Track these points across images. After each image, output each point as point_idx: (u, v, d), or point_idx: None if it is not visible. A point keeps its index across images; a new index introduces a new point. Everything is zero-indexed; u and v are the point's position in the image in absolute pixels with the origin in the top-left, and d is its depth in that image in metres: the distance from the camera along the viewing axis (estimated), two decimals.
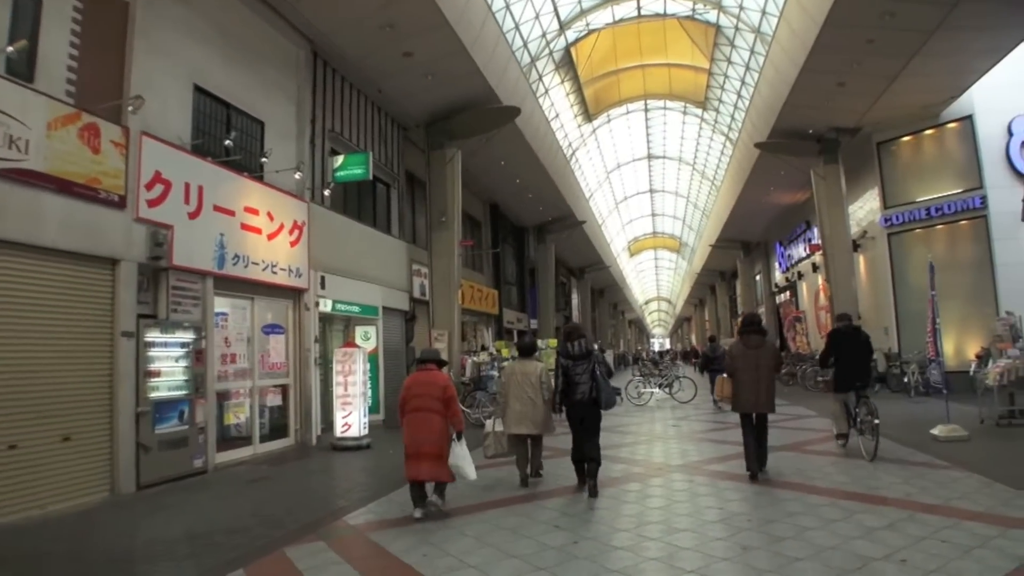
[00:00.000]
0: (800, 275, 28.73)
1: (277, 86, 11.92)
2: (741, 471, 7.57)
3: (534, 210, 27.70)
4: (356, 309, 13.93)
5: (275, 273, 11.10)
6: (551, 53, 23.62)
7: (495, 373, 15.21)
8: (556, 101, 26.84)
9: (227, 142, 10.47)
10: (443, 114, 16.40)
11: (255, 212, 10.69)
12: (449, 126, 16.55)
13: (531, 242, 30.74)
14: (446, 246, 16.28)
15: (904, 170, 19.11)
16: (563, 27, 22.88)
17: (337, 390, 11.25)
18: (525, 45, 21.31)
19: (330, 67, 13.78)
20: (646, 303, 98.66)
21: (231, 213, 10.14)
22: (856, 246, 20.07)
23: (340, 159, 13.41)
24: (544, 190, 24.96)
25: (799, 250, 28.46)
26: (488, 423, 8.48)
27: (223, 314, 10.35)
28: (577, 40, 24.78)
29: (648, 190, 47.72)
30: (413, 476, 6.31)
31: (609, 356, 26.40)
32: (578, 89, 28.31)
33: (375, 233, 15.35)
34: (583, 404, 7.23)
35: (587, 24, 23.92)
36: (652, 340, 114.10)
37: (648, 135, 37.22)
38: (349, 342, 12.36)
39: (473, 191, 23.63)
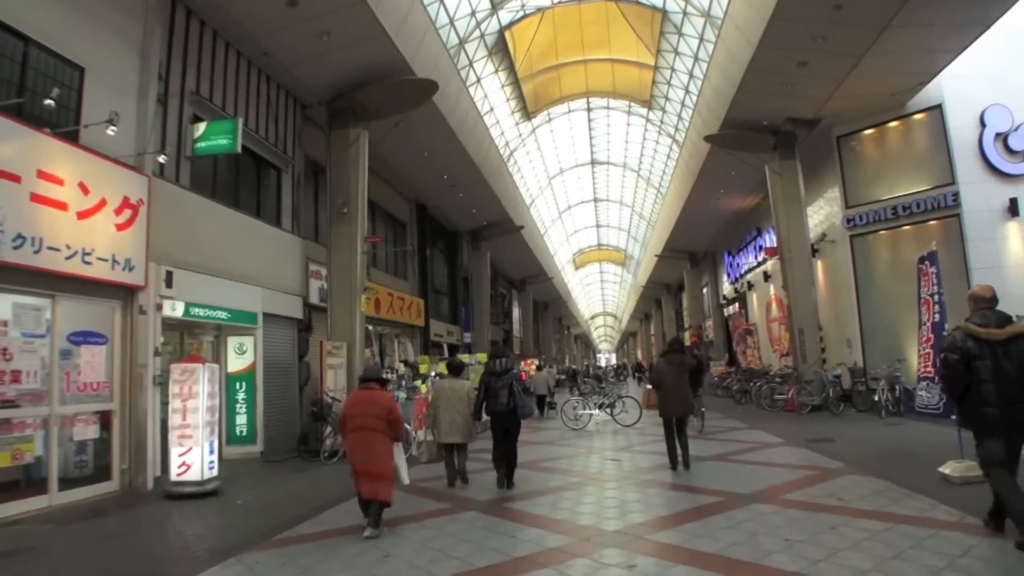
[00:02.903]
0: (750, 285, 27.01)
1: (110, 26, 9.21)
2: (710, 547, 5.23)
3: (467, 213, 25.30)
4: (223, 315, 11.22)
5: (88, 263, 8.36)
6: (483, 36, 21.37)
7: (401, 395, 12.68)
8: (490, 93, 24.57)
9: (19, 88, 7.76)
10: (347, 87, 13.85)
11: (57, 181, 7.95)
12: (354, 102, 14.01)
13: (465, 248, 28.30)
14: (347, 241, 13.65)
15: (867, 166, 17.42)
16: (495, 5, 20.61)
17: (173, 419, 8.52)
18: (452, 23, 18.96)
19: (195, 15, 11.15)
20: (592, 318, 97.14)
21: (14, 179, 7.40)
22: (815, 251, 18.23)
23: (202, 127, 10.75)
24: (477, 190, 22.61)
25: (749, 259, 26.75)
26: (420, 433, 10.35)
27: None
28: (512, 23, 22.60)
29: (592, 199, 45.95)
30: (368, 496, 6.17)
31: (548, 374, 24.01)
32: (515, 82, 26.13)
33: (257, 224, 12.68)
34: (504, 414, 8.38)
35: (522, 5, 21.71)
36: (599, 355, 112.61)
37: (591, 137, 35.32)
38: (193, 355, 9.63)
39: (397, 189, 21.16)
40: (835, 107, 16.36)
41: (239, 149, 10.61)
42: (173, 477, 8.46)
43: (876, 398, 14.33)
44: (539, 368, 25.57)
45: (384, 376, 7.59)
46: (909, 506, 6.13)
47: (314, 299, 14.32)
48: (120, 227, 8.93)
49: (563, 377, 33.21)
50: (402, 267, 22.02)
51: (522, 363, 33.83)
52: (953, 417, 5.75)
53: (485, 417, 8.63)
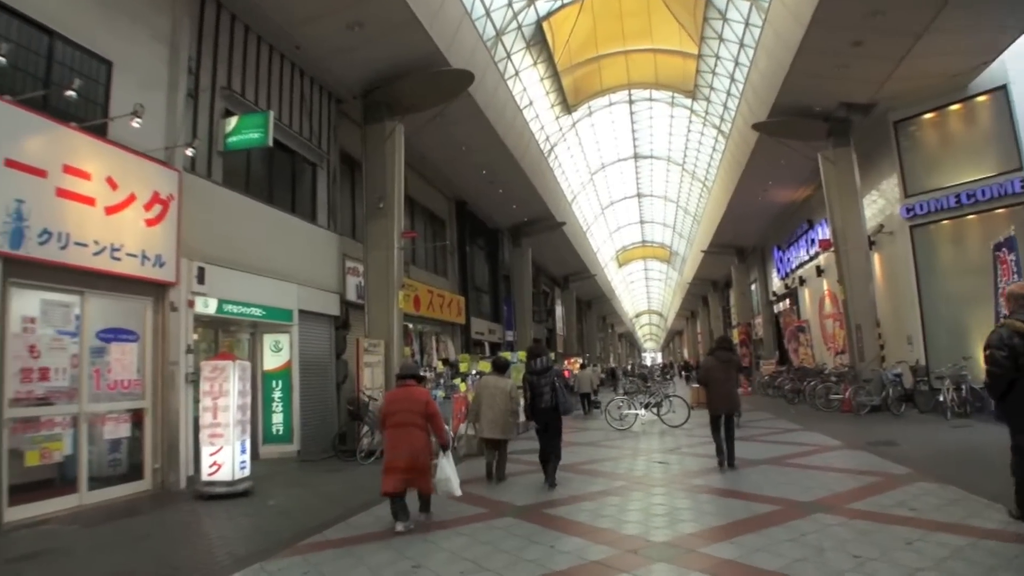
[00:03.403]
0: (802, 281, 25.96)
1: (137, 19, 9.06)
2: (771, 563, 4.72)
3: (507, 209, 24.88)
4: (258, 312, 11.02)
5: (117, 259, 8.20)
6: (520, 27, 20.91)
7: (440, 393, 12.33)
8: (529, 86, 24.10)
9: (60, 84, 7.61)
10: (381, 80, 13.56)
11: (84, 175, 7.79)
12: (389, 95, 13.71)
13: (506, 246, 27.91)
14: (384, 237, 13.36)
15: (927, 152, 16.43)
16: None
17: (203, 417, 8.31)
18: (488, 13, 18.57)
19: (225, 8, 10.99)
20: (636, 316, 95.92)
21: (39, 173, 7.24)
22: (871, 243, 17.30)
23: (233, 121, 10.56)
24: (517, 186, 22.17)
25: (800, 253, 25.72)
26: (461, 427, 10.64)
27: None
28: (550, 14, 22.08)
29: (636, 194, 45.06)
30: (391, 489, 6.22)
31: (592, 372, 23.62)
32: (554, 75, 25.60)
33: (292, 220, 12.48)
34: (546, 411, 8.40)
35: None
36: (644, 354, 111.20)
37: (634, 131, 34.55)
38: (223, 352, 9.42)
39: (436, 186, 20.90)
40: (892, 90, 15.43)
41: (271, 143, 10.40)
42: (204, 477, 8.25)
43: (940, 398, 13.43)
44: (583, 367, 25.30)
45: (421, 374, 7.76)
46: (991, 518, 5.48)
47: (351, 296, 14.09)
48: (150, 222, 8.76)
49: (604, 376, 32.45)
50: (442, 264, 21.75)
51: (565, 362, 33.42)
52: None
53: (522, 419, 9.00)
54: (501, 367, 9.32)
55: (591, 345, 52.47)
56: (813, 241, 23.45)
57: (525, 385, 8.68)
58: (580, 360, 30.48)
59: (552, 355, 16.00)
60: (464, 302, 22.06)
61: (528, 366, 8.72)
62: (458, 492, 6.60)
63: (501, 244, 27.62)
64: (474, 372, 14.77)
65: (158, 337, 8.98)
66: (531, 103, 24.63)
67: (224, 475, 8.19)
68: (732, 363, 9.42)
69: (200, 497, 8.17)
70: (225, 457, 8.21)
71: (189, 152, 9.10)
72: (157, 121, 9.19)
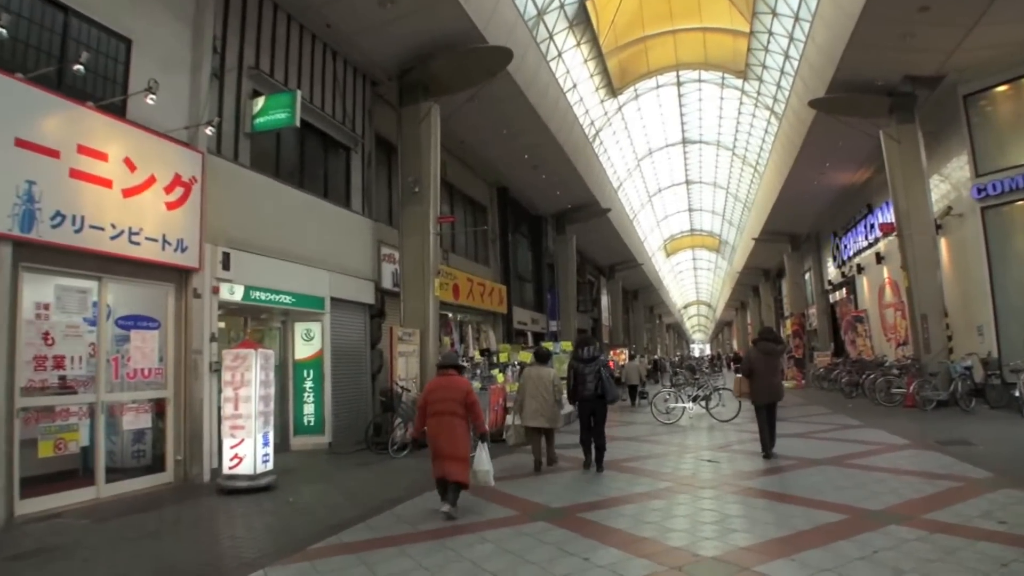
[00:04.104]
0: (860, 268, 24.65)
1: None
2: None
3: (550, 196, 24.21)
4: (288, 300, 10.67)
5: (136, 244, 7.88)
6: (562, 6, 20.16)
7: (476, 384, 11.82)
8: (572, 68, 23.32)
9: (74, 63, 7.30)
10: (415, 60, 13.07)
11: (100, 156, 7.48)
12: (424, 75, 13.22)
13: (549, 233, 27.24)
14: (419, 222, 12.89)
15: (1001, 128, 15.20)
16: None
17: (225, 408, 7.97)
18: None
19: None
20: (685, 307, 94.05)
21: (52, 154, 6.94)
22: (937, 227, 16.15)
23: (260, 102, 10.19)
24: (560, 171, 21.48)
25: (858, 240, 24.42)
26: (508, 418, 10.46)
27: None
28: None
29: (684, 181, 43.79)
30: (440, 475, 6.38)
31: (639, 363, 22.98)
32: (599, 56, 24.75)
33: (324, 205, 12.10)
34: (591, 399, 8.69)
35: None
36: (692, 345, 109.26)
37: (682, 114, 33.40)
38: (246, 341, 9.04)
39: (476, 171, 20.40)
40: (961, 61, 14.27)
41: (298, 123, 10.01)
42: (225, 470, 7.92)
43: (1017, 393, 12.36)
44: (631, 358, 25.01)
45: (461, 364, 8.17)
46: None
47: (387, 284, 13.69)
48: (171, 206, 8.43)
49: (650, 367, 31.60)
50: (483, 252, 21.25)
51: (611, 352, 32.73)
52: None
53: (568, 408, 9.30)
54: (543, 357, 9.45)
55: (638, 336, 51.45)
56: (873, 226, 22.21)
57: (569, 372, 8.99)
58: (625, 351, 29.97)
59: (598, 345, 15.53)
60: (506, 291, 21.54)
61: (575, 354, 9.21)
62: (492, 482, 6.68)
63: (544, 232, 26.98)
64: (515, 363, 14.28)
65: (181, 324, 8.67)
66: (574, 86, 23.86)
67: (245, 468, 7.83)
68: (775, 353, 9.60)
69: (221, 491, 7.84)
70: (247, 450, 7.85)
71: (209, 131, 8.73)
72: (180, 102, 8.88)
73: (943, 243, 16.52)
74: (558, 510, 6.42)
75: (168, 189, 8.41)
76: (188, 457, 8.53)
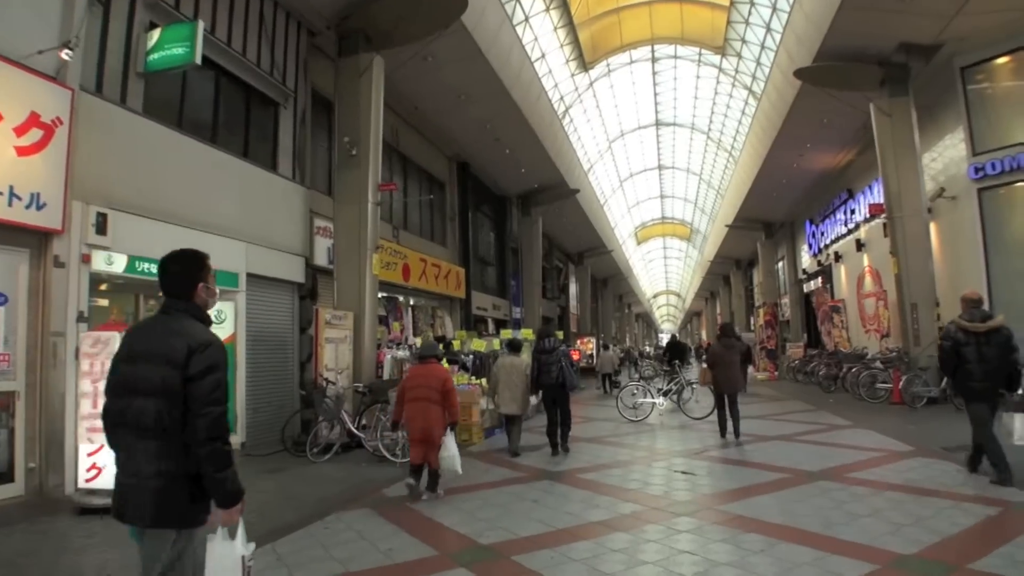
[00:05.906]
0: (837, 257, 23.54)
1: None
2: None
3: (515, 174, 22.63)
4: None
5: None
6: None
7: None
8: (541, 36, 21.71)
9: None
10: (354, 6, 11.42)
11: None
12: (365, 22, 11.56)
13: (514, 215, 25.68)
14: (356, 189, 11.25)
15: (1000, 103, 14.03)
16: None
17: (81, 406, 6.34)
18: None
19: None
20: (654, 296, 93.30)
21: None
22: (928, 210, 14.96)
23: (155, 35, 8.45)
24: (526, 146, 19.91)
25: (837, 227, 23.29)
26: (483, 402, 10.81)
27: None
28: None
29: (656, 166, 42.47)
30: (420, 461, 6.70)
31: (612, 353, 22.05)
32: (569, 24, 23.17)
33: (242, 165, 10.39)
34: (553, 387, 9.31)
35: None
36: (660, 335, 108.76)
37: (656, 93, 31.96)
38: (111, 322, 7.38)
39: (434, 143, 18.74)
40: (960, 28, 13.03)
41: (198, 60, 8.26)
42: (80, 484, 6.29)
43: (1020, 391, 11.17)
44: (605, 348, 25.15)
45: (440, 353, 8.99)
46: None
47: (321, 261, 12.05)
48: (23, 151, 6.71)
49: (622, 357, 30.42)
50: (440, 231, 19.63)
51: (578, 341, 31.43)
52: None
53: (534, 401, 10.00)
54: (515, 347, 9.91)
55: (606, 325, 50.27)
56: (853, 212, 21.08)
57: (533, 361, 9.59)
58: (596, 340, 29.18)
59: (560, 335, 14.43)
60: (465, 274, 19.98)
61: (537, 345, 9.73)
62: (459, 469, 6.83)
63: (509, 213, 25.40)
64: (468, 352, 12.92)
65: (37, 300, 6.96)
66: (543, 56, 22.25)
67: (105, 482, 6.19)
68: (735, 348, 10.55)
69: (76, 510, 6.21)
70: (108, 459, 6.21)
71: (65, 55, 6.96)
72: (46, 27, 7.12)
73: (933, 228, 15.31)
74: (486, 549, 4.92)
75: (20, 131, 6.68)
76: (44, 465, 6.85)
